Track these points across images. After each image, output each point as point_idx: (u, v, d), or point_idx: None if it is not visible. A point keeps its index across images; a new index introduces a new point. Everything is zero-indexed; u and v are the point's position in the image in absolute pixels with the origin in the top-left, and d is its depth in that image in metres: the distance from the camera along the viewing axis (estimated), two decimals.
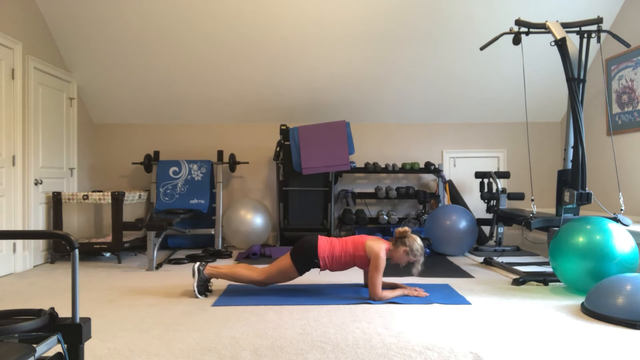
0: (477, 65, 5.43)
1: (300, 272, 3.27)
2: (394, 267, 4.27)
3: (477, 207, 6.04)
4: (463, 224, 4.84)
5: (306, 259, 3.23)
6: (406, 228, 3.28)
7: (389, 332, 2.52)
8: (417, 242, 3.24)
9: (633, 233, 3.74)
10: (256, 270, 3.33)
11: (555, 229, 3.86)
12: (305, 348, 2.31)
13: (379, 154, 6.09)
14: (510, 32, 4.05)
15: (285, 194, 5.53)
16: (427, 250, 4.85)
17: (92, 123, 5.92)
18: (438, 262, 4.59)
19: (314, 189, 5.50)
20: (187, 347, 2.32)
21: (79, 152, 5.56)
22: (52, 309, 1.57)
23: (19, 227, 4.34)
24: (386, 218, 5.59)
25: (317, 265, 3.25)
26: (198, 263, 3.34)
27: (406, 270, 4.16)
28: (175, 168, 5.54)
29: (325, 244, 3.26)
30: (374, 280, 3.13)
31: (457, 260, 4.71)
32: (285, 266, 3.25)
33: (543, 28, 4.00)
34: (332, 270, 3.30)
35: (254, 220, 5.36)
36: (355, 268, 4.30)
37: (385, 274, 3.91)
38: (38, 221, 4.65)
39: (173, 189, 5.48)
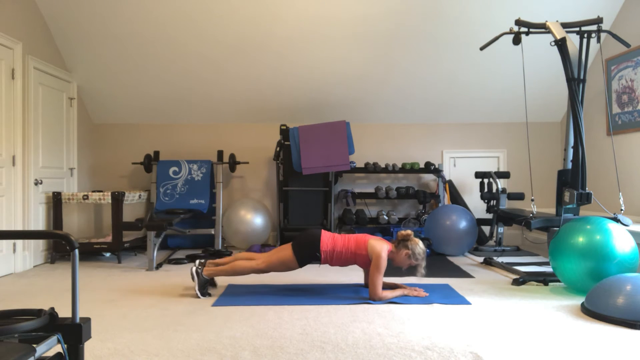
0: (477, 65, 5.43)
1: (301, 264, 3.27)
2: (395, 267, 4.27)
3: (477, 207, 6.04)
4: (463, 224, 4.84)
5: (308, 252, 3.23)
6: (409, 231, 3.28)
7: (389, 332, 2.52)
8: (419, 246, 3.23)
9: (633, 233, 3.74)
10: (256, 260, 3.33)
11: (555, 229, 3.86)
12: (305, 348, 2.31)
13: (379, 154, 6.09)
14: (510, 32, 4.05)
15: (285, 194, 5.53)
16: (427, 251, 4.85)
17: (92, 123, 5.92)
18: (438, 262, 4.59)
19: (314, 189, 5.50)
20: (187, 347, 2.32)
21: (79, 152, 5.56)
22: (52, 309, 1.57)
23: (19, 227, 4.34)
24: (386, 218, 5.59)
25: (317, 259, 3.25)
26: (195, 267, 3.30)
27: (406, 271, 4.16)
28: (175, 168, 5.54)
29: (328, 238, 3.27)
30: (374, 280, 3.13)
31: (457, 260, 4.71)
32: (286, 257, 3.25)
33: (543, 28, 4.00)
34: (331, 265, 3.30)
35: (254, 220, 5.36)
36: (355, 268, 4.30)
37: (386, 274, 3.90)
38: (38, 221, 4.65)
39: (173, 189, 5.48)
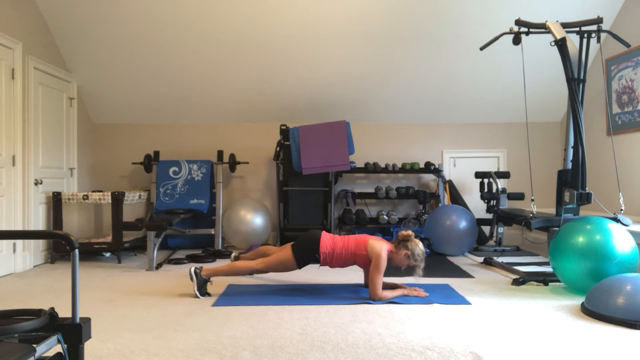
0: (477, 65, 5.43)
1: (300, 265, 3.28)
2: (394, 267, 4.27)
3: (477, 207, 6.04)
4: (463, 224, 4.84)
5: (307, 253, 3.24)
6: (410, 232, 3.28)
7: (389, 332, 2.52)
8: (419, 247, 3.23)
9: (633, 233, 3.74)
10: (255, 260, 3.36)
11: (555, 229, 3.86)
12: (305, 348, 2.31)
13: (379, 154, 6.09)
14: (510, 32, 4.05)
15: (285, 194, 5.53)
16: (427, 251, 4.85)
17: (92, 123, 5.92)
18: (438, 262, 4.59)
19: (314, 189, 5.50)
20: (187, 347, 2.32)
21: (79, 152, 5.56)
22: (52, 309, 1.57)
23: (19, 227, 4.34)
24: (386, 218, 5.59)
25: (317, 260, 3.26)
26: (194, 267, 3.34)
27: (404, 271, 4.16)
28: (175, 168, 5.55)
29: (328, 240, 3.28)
30: (374, 280, 3.13)
31: (457, 260, 4.71)
32: (286, 257, 3.26)
33: (543, 28, 4.00)
34: (331, 266, 3.30)
35: (254, 220, 5.36)
36: (355, 268, 4.30)
37: (385, 274, 3.90)
38: (38, 221, 4.65)
39: (173, 189, 5.48)
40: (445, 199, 5.71)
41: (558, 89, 5.75)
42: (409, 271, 3.29)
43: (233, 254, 3.88)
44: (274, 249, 3.57)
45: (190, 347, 2.32)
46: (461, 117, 6.06)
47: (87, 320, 1.61)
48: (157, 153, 5.74)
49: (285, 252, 3.29)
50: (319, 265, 3.31)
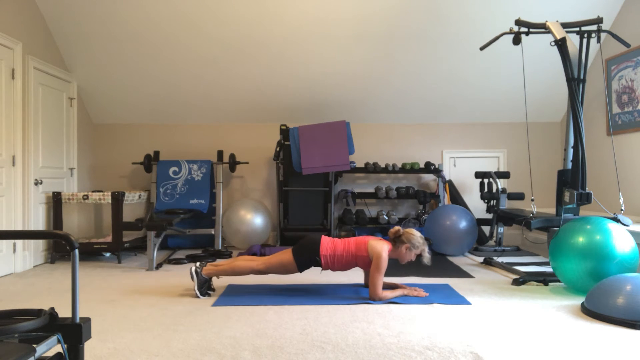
0: (477, 65, 5.43)
1: (300, 269, 3.28)
2: (395, 267, 4.27)
3: (477, 207, 6.03)
4: (463, 224, 4.84)
5: (307, 257, 3.24)
6: (396, 227, 3.31)
7: (389, 332, 2.52)
8: (415, 235, 3.27)
9: (633, 233, 3.74)
10: (256, 261, 3.34)
11: (555, 229, 3.86)
12: (305, 348, 2.31)
13: (379, 154, 6.09)
14: (510, 32, 4.05)
15: (285, 194, 5.53)
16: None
17: (92, 123, 5.92)
18: (438, 262, 4.59)
19: (314, 189, 5.50)
20: (187, 347, 2.32)
21: (79, 152, 5.55)
22: (52, 309, 1.57)
23: (19, 227, 4.34)
24: (386, 218, 5.59)
25: (318, 264, 3.26)
26: (194, 266, 3.33)
27: (406, 270, 4.16)
28: (175, 168, 5.54)
29: (328, 243, 3.28)
30: (375, 280, 3.13)
31: (457, 260, 4.71)
32: (286, 261, 3.26)
33: (543, 28, 4.00)
34: (333, 269, 3.31)
35: (254, 220, 5.36)
36: (356, 268, 4.30)
37: (386, 274, 3.91)
38: (38, 221, 4.65)
39: (173, 189, 5.48)
40: (445, 199, 5.71)
41: (558, 89, 5.75)
42: (419, 260, 3.34)
43: (193, 269, 3.33)
44: (256, 258, 3.45)
45: (190, 347, 2.32)
46: (461, 117, 6.06)
47: (87, 320, 1.61)
48: (157, 153, 5.74)
49: (286, 254, 3.29)
50: (321, 269, 3.30)
